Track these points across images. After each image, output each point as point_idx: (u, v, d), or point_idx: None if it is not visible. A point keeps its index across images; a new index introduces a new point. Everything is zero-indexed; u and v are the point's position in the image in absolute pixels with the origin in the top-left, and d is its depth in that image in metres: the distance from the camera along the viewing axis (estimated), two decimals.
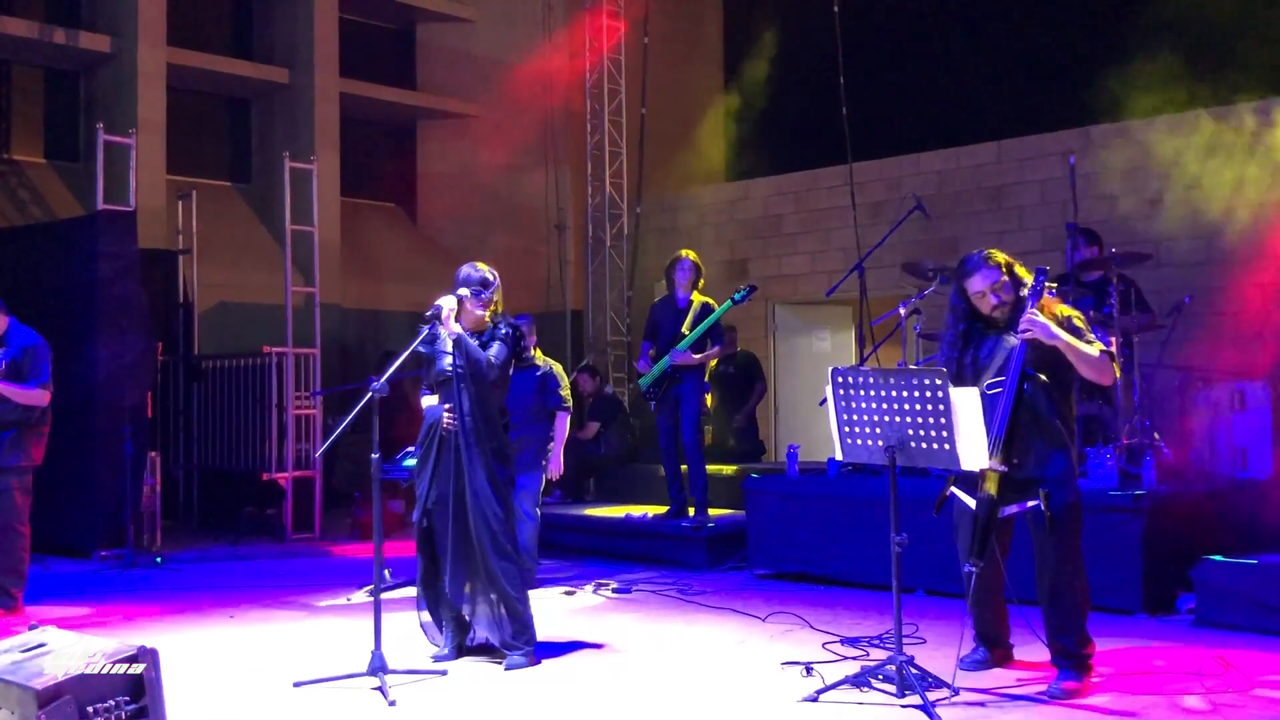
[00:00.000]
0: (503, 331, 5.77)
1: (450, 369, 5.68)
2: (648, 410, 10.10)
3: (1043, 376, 5.01)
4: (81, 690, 3.99)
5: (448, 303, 5.73)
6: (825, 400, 5.11)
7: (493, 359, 5.67)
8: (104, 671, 4.07)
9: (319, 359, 11.66)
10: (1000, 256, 5.15)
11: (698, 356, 8.63)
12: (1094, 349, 4.99)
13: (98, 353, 9.77)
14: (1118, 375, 5.20)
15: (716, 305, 8.67)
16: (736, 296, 8.62)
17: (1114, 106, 11.66)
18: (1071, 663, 5.02)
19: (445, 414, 5.74)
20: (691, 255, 8.90)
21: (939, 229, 12.06)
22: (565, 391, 8.09)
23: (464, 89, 16.49)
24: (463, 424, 5.67)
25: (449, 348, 5.70)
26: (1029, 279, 5.10)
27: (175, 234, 12.78)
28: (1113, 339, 7.25)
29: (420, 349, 5.78)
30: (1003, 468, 4.93)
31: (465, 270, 5.84)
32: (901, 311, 8.22)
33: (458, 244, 15.94)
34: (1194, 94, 11.14)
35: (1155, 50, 11.61)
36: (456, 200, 16.57)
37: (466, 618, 5.84)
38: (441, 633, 5.89)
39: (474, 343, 5.72)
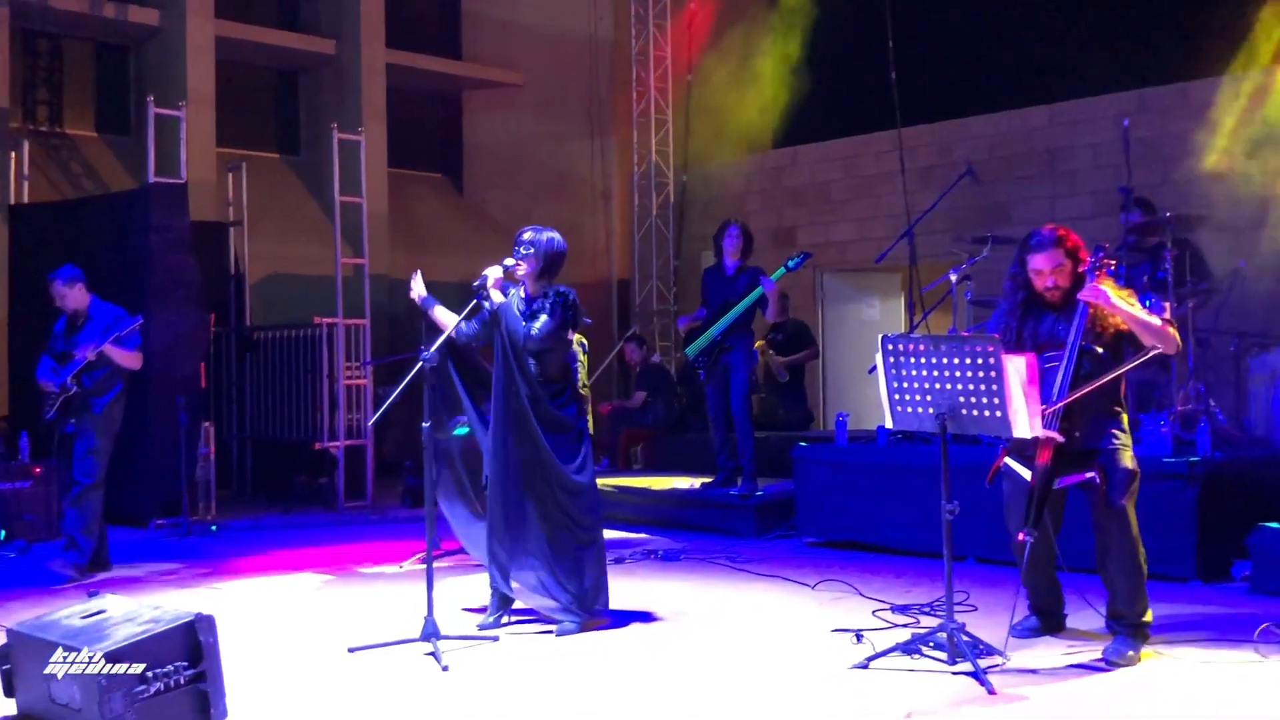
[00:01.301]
0: (550, 301, 5.74)
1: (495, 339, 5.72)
2: (695, 379, 10.09)
3: (1099, 349, 4.98)
4: (141, 656, 4.06)
5: (493, 272, 5.74)
6: (875, 368, 5.09)
7: (534, 331, 5.65)
8: (162, 637, 4.14)
9: (369, 329, 11.75)
10: (1070, 241, 5.10)
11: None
12: (1155, 319, 4.96)
13: (151, 325, 9.82)
14: (1180, 344, 5.16)
15: (766, 272, 8.62)
16: (790, 264, 8.53)
17: (1167, 68, 11.48)
18: (1128, 630, 4.98)
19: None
20: (740, 222, 8.86)
21: (990, 194, 11.93)
22: (579, 371, 8.04)
23: (510, 58, 16.47)
24: (508, 395, 5.68)
25: (512, 310, 5.73)
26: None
27: (226, 206, 12.88)
28: (1166, 305, 7.19)
29: (485, 304, 5.81)
30: (1060, 438, 4.90)
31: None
32: (952, 278, 8.15)
33: (504, 214, 15.97)
34: (1248, 55, 10.95)
35: (1209, 10, 11.42)
36: (503, 170, 16.59)
37: (513, 586, 5.87)
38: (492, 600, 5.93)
39: (515, 313, 5.72)
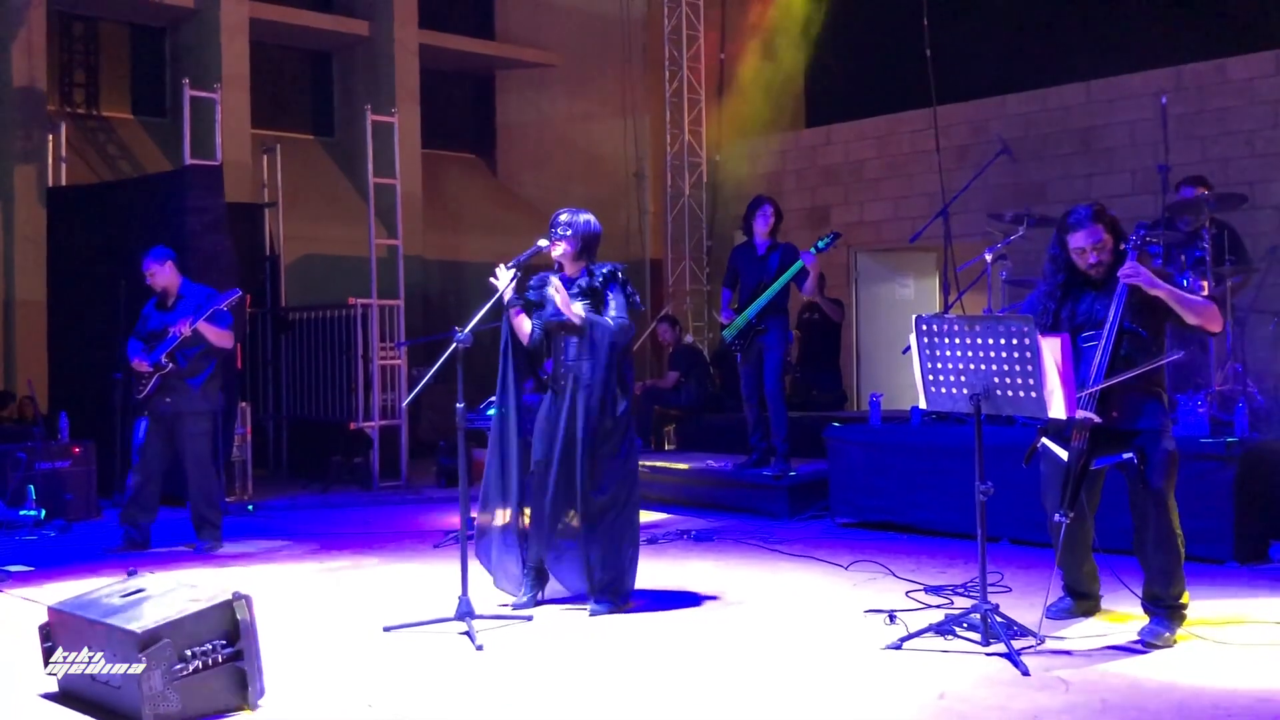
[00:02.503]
0: (600, 279, 5.72)
1: (556, 317, 5.72)
2: (728, 359, 10.07)
3: (1139, 329, 4.95)
4: (179, 634, 4.11)
5: (503, 278, 5.71)
6: (909, 348, 5.07)
7: (612, 324, 5.65)
8: (201, 616, 4.19)
9: (403, 310, 11.79)
10: (1106, 216, 5.06)
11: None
12: (1198, 296, 4.93)
13: None
14: (1223, 322, 5.11)
15: (798, 248, 8.59)
16: (820, 244, 8.49)
17: (1206, 45, 11.35)
18: (1165, 612, 4.95)
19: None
20: (771, 199, 8.82)
21: (1025, 173, 11.85)
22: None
23: (542, 39, 16.45)
24: (568, 374, 5.71)
25: (555, 297, 5.74)
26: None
27: (261, 188, 12.95)
28: (1204, 284, 7.13)
29: (530, 296, 5.83)
30: (1098, 419, 4.87)
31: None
32: (987, 257, 8.11)
33: (537, 194, 15.98)
34: None
35: None
36: (536, 150, 16.60)
37: (547, 568, 5.90)
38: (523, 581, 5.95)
39: (598, 317, 5.70)
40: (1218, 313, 4.97)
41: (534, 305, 5.86)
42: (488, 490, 5.94)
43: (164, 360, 7.56)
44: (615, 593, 5.75)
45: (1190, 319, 4.91)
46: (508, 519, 5.95)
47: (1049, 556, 5.27)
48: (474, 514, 5.97)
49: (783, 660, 4.88)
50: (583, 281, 5.77)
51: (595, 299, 5.73)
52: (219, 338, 7.63)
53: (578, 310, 5.67)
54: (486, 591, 5.93)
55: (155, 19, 14.39)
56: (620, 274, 5.80)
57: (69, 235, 11.16)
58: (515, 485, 5.90)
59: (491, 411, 6.05)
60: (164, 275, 7.72)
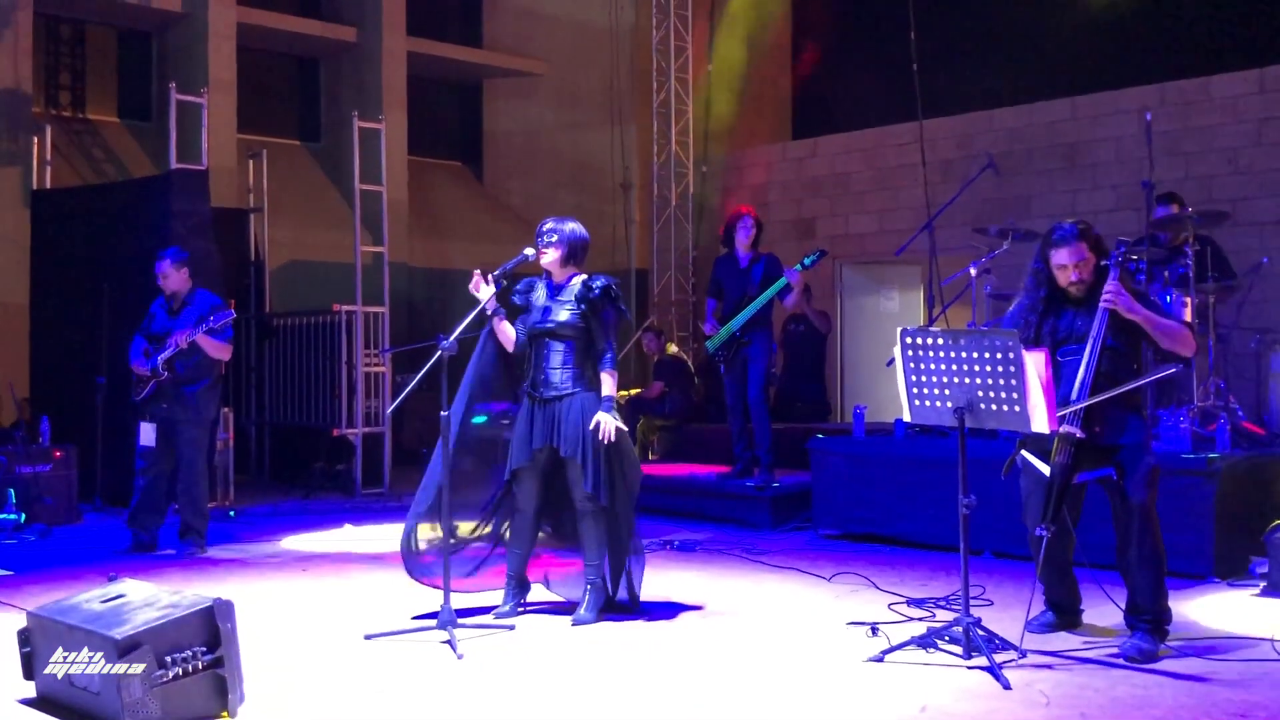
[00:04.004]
0: (597, 293, 5.72)
1: (540, 324, 5.73)
2: (712, 369, 10.08)
3: (1119, 346, 4.98)
4: (159, 640, 4.09)
5: (485, 293, 5.73)
6: (893, 361, 5.08)
7: (607, 353, 5.73)
8: (181, 622, 4.17)
9: (388, 317, 11.76)
10: (1090, 235, 5.10)
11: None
12: (1174, 321, 4.98)
13: None
14: (1196, 347, 5.16)
15: (780, 260, 8.61)
16: (806, 261, 8.51)
17: (1190, 62, 11.42)
18: (1148, 626, 4.97)
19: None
20: (751, 212, 8.84)
21: (1011, 187, 11.88)
22: None
23: (530, 47, 16.47)
24: (550, 382, 5.71)
25: (540, 300, 5.78)
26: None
27: (246, 193, 12.91)
28: (1188, 300, 7.16)
29: (515, 300, 5.85)
30: (1081, 434, 4.89)
31: None
32: (972, 271, 8.14)
33: (524, 203, 15.98)
34: (1271, 49, 10.89)
35: (1231, 3, 11.35)
36: (523, 159, 16.59)
37: (528, 578, 5.91)
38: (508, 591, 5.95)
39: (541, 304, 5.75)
40: (1191, 339, 5.03)
41: (518, 309, 5.87)
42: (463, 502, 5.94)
43: (161, 369, 7.59)
44: (597, 598, 5.75)
45: (1164, 344, 4.98)
46: (482, 531, 5.99)
47: (1031, 570, 5.28)
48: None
49: (765, 672, 4.88)
50: (574, 290, 5.77)
51: (590, 310, 5.73)
52: (217, 350, 7.67)
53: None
54: (469, 599, 5.91)
55: (142, 23, 14.35)
56: (614, 289, 5.80)
57: (53, 238, 11.12)
58: (489, 497, 5.95)
59: (478, 420, 6.03)
60: (176, 279, 7.75)
